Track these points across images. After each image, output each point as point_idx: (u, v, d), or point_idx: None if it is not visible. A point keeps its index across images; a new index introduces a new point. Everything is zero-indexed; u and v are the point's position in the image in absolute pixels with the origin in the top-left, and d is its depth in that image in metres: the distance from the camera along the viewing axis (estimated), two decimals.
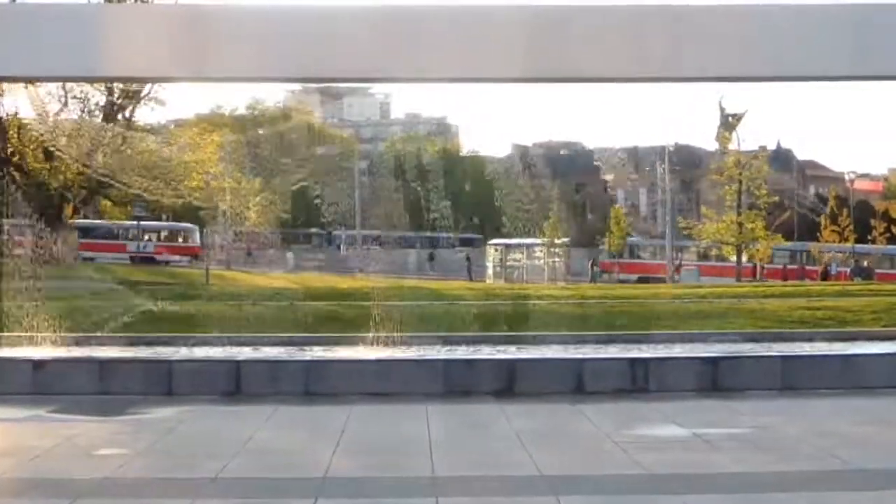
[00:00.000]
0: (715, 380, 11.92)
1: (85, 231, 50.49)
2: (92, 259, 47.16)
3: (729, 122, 49.64)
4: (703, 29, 7.38)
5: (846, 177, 64.64)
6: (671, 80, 8.05)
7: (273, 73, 7.66)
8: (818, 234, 53.17)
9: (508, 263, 54.81)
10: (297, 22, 7.30)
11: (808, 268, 52.19)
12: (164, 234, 56.85)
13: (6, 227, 51.14)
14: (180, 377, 11.72)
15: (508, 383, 11.82)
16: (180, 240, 56.45)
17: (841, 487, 7.36)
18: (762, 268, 50.53)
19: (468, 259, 58.54)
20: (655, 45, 7.29)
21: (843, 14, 7.35)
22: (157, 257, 53.61)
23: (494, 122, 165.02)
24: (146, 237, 55.19)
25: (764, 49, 7.40)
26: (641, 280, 48.86)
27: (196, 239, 54.84)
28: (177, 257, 53.80)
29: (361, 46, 7.18)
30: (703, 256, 54.26)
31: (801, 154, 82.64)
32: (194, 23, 7.22)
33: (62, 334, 14.03)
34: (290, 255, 58.14)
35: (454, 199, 58.75)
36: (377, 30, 7.28)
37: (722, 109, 50.04)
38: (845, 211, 54.35)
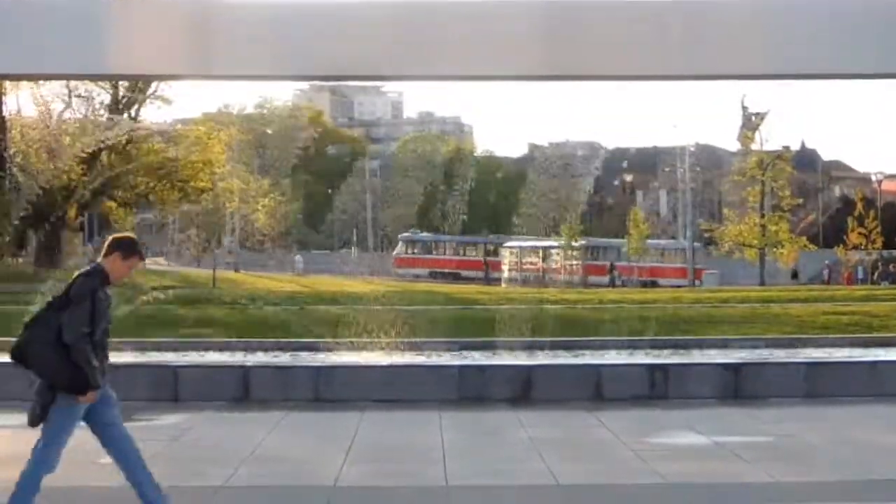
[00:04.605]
0: (736, 387, 11.66)
1: None
2: None
3: (752, 122, 48.77)
4: (724, 25, 7.13)
5: (873, 178, 63.57)
6: (692, 78, 7.82)
7: (283, 71, 7.46)
8: (844, 236, 52.33)
9: (524, 267, 54.19)
10: (308, 18, 7.11)
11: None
12: None
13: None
14: (187, 383, 11.53)
15: (524, 390, 11.58)
16: None
17: (867, 498, 7.14)
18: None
19: (485, 262, 58.27)
20: (676, 42, 7.05)
21: (871, 9, 7.09)
22: None
23: (509, 121, 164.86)
24: None
25: (788, 46, 7.13)
26: (656, 284, 48.18)
27: None
28: None
29: (373, 43, 6.98)
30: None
31: (826, 154, 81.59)
32: (202, 19, 7.02)
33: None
34: (298, 258, 57.93)
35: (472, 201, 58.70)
36: (390, 27, 7.07)
37: (744, 108, 49.19)
38: (872, 213, 53.49)
